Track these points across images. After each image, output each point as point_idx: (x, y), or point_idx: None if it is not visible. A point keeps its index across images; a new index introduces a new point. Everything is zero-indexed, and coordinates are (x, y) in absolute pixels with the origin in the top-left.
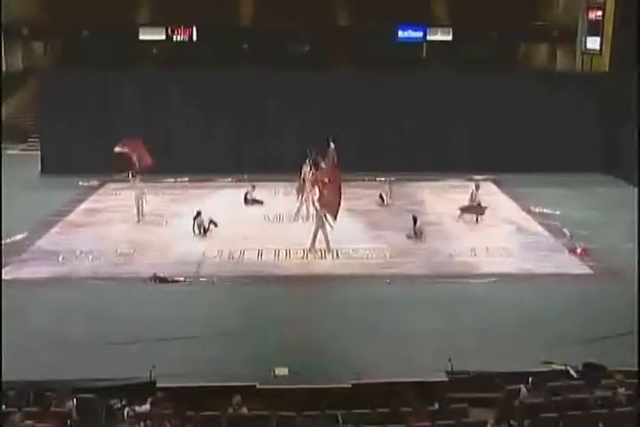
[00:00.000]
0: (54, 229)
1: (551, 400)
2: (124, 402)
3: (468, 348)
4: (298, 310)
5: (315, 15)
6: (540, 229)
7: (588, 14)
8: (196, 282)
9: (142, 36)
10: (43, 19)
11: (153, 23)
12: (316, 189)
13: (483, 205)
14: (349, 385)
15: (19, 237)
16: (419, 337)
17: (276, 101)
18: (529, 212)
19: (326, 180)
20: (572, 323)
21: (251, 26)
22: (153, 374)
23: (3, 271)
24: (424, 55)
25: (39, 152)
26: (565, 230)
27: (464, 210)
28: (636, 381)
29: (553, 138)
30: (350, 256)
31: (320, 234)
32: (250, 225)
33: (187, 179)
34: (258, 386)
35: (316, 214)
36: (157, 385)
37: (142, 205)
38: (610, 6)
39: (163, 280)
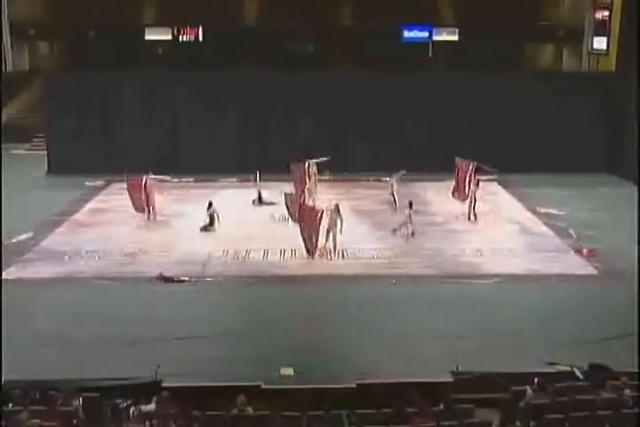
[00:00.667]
0: (60, 229)
1: (557, 401)
2: (129, 401)
3: (473, 348)
4: (303, 310)
5: (319, 15)
6: (545, 229)
7: (594, 14)
8: (201, 282)
9: (148, 36)
10: (49, 19)
11: (159, 23)
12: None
13: (480, 205)
14: (354, 385)
15: (24, 236)
16: (423, 337)
17: (280, 101)
18: (534, 212)
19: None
20: (578, 324)
21: (256, 26)
22: (158, 374)
23: (8, 271)
24: (429, 55)
25: (45, 152)
26: (571, 231)
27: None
28: None
29: (558, 138)
30: (355, 256)
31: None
32: (255, 225)
33: (192, 179)
34: (263, 386)
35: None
36: (163, 385)
37: (153, 204)
38: (616, 6)
39: (168, 280)
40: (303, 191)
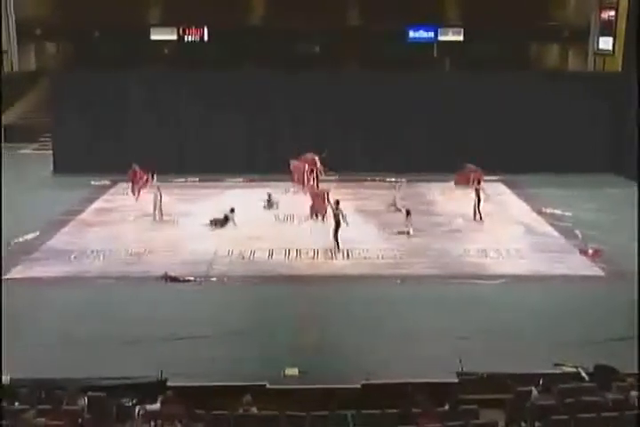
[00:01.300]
0: (65, 229)
1: (562, 402)
2: (134, 401)
3: (479, 349)
4: (308, 310)
5: (325, 16)
6: (550, 229)
7: (600, 14)
8: (206, 282)
9: (154, 37)
10: (55, 19)
11: (164, 23)
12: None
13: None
14: (359, 385)
15: (30, 236)
16: (428, 338)
17: (286, 101)
18: (540, 213)
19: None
20: (583, 324)
21: (262, 26)
22: (163, 374)
23: (14, 270)
24: (435, 55)
25: (51, 151)
26: (576, 231)
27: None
28: None
29: (564, 138)
30: (361, 256)
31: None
32: (260, 225)
33: (197, 179)
34: (268, 386)
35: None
36: (168, 384)
37: (160, 204)
38: (623, 6)
39: (173, 280)
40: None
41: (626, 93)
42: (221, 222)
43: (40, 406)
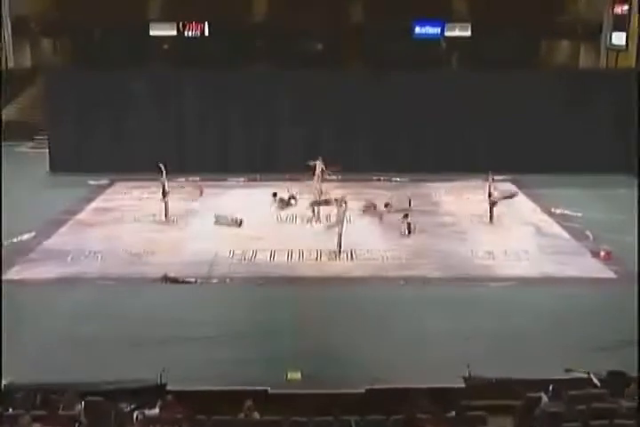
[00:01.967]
0: (63, 229)
1: (573, 409)
2: (133, 406)
3: (487, 353)
4: (311, 312)
5: (329, 11)
6: (560, 231)
7: (613, 8)
8: (207, 283)
9: (153, 32)
10: (51, 14)
11: (164, 18)
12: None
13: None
14: (363, 390)
15: (26, 236)
16: (435, 342)
17: (289, 100)
18: (550, 213)
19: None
20: (595, 329)
21: (264, 22)
22: (163, 378)
23: (10, 271)
24: (441, 52)
25: (47, 150)
26: (588, 233)
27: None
28: None
29: (575, 138)
30: (365, 258)
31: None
32: (262, 225)
33: (198, 178)
34: (270, 391)
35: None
36: (167, 389)
37: (167, 204)
38: (636, 0)
39: (173, 281)
40: None
41: (639, 90)
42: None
43: (35, 412)
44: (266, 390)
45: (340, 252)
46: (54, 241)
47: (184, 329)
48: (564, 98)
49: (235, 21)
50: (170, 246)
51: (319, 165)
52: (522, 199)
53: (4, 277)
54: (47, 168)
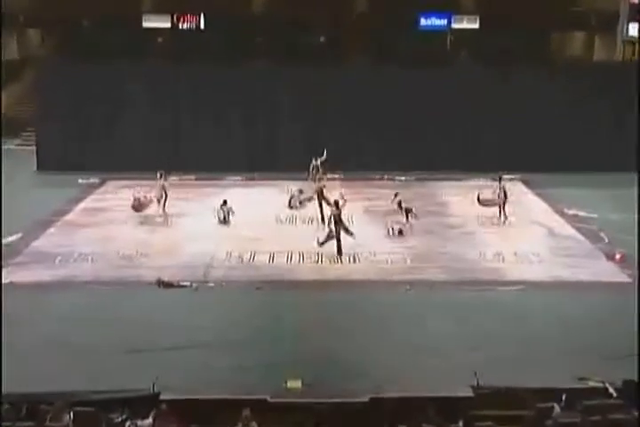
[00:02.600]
0: (51, 230)
1: (587, 420)
2: (124, 416)
3: (496, 361)
4: (312, 317)
5: (331, 1)
6: (574, 232)
7: None
8: (203, 287)
9: (146, 24)
10: (39, 4)
11: (157, 10)
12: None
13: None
14: (367, 399)
15: (13, 238)
16: (441, 348)
17: (289, 95)
18: (562, 214)
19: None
20: (610, 336)
21: (263, 14)
22: (156, 386)
23: None
24: (448, 45)
25: (35, 147)
26: (602, 234)
27: None
28: None
29: (587, 135)
30: (368, 260)
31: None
32: (261, 226)
33: (193, 177)
34: (269, 399)
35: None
36: (161, 398)
37: (164, 204)
38: None
39: (168, 285)
40: None
41: None
42: (224, 218)
43: (22, 423)
44: (265, 399)
45: (340, 255)
46: (42, 243)
47: (178, 335)
48: (577, 92)
49: (232, 13)
50: (164, 248)
51: (317, 164)
52: (532, 199)
53: None
54: (35, 166)
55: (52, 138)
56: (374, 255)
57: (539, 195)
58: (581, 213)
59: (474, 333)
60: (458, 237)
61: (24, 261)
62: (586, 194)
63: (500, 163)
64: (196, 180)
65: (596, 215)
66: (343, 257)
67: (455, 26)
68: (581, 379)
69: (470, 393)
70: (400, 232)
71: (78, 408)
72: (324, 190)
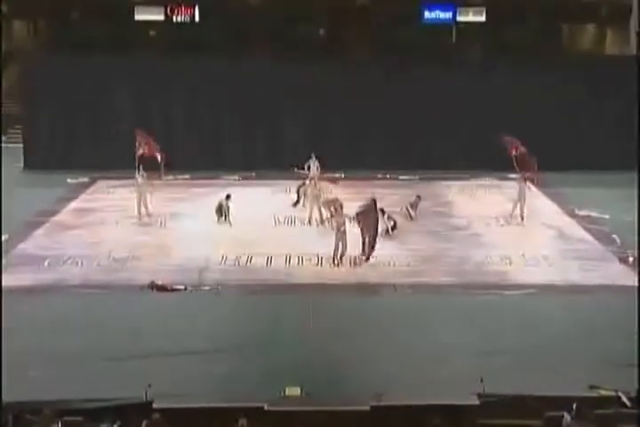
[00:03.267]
0: (39, 231)
1: None
2: (116, 425)
3: (503, 368)
4: (311, 322)
5: None
6: (585, 234)
7: None
8: (198, 291)
9: (138, 17)
10: None
11: (150, 1)
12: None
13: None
14: (368, 408)
15: None
16: (446, 354)
17: (288, 91)
18: (572, 215)
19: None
20: (624, 342)
21: (260, 6)
22: (149, 394)
23: None
24: (453, 39)
25: (21, 145)
26: (614, 236)
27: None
28: None
29: (598, 132)
30: (370, 263)
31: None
32: (258, 228)
33: (188, 176)
34: (266, 408)
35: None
36: (154, 406)
37: (146, 203)
38: None
39: (161, 289)
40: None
41: None
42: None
43: None
44: (262, 407)
45: (341, 258)
46: (29, 245)
47: (172, 341)
48: (587, 88)
49: (228, 5)
50: (157, 251)
51: (314, 164)
52: (541, 199)
53: None
54: (21, 165)
55: (39, 135)
56: (376, 258)
57: (548, 195)
58: (592, 214)
59: (480, 338)
60: (463, 238)
61: (10, 264)
62: (597, 194)
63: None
64: (192, 179)
65: (607, 216)
66: (344, 259)
67: (460, 19)
68: (592, 387)
69: (476, 401)
70: (394, 227)
71: (67, 418)
72: (322, 193)
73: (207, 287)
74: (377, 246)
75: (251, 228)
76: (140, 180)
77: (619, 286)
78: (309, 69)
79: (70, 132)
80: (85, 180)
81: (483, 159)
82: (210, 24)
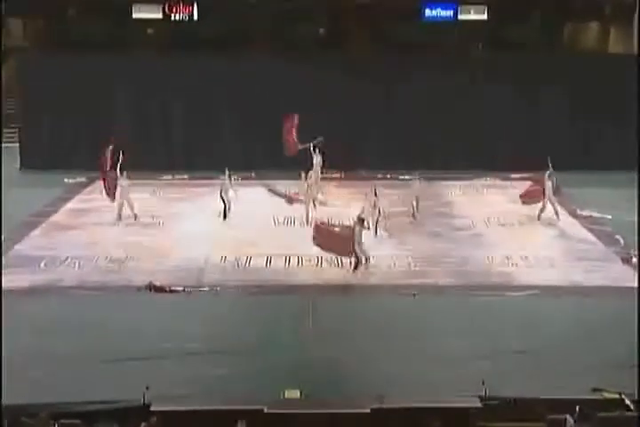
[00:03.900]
0: (35, 232)
1: None
2: None
3: (505, 370)
4: (311, 324)
5: None
6: (587, 234)
7: None
8: (196, 292)
9: (136, 15)
10: None
11: None
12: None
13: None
14: (369, 410)
15: None
16: (448, 356)
17: (287, 90)
18: (574, 215)
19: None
20: (626, 344)
21: (259, 2)
22: (147, 397)
23: None
24: (454, 37)
25: (18, 145)
26: (617, 237)
27: None
28: None
29: (601, 131)
30: (371, 264)
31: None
32: (258, 228)
33: (186, 176)
34: (266, 410)
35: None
36: (152, 409)
37: (129, 204)
38: None
39: (159, 290)
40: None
41: None
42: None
43: None
44: (261, 410)
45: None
46: (26, 246)
47: (171, 343)
48: (590, 87)
49: (227, 3)
50: (155, 251)
51: (316, 159)
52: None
53: None
54: (18, 165)
55: (36, 134)
56: (377, 259)
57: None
58: (595, 214)
59: (482, 339)
60: (466, 239)
61: (6, 265)
62: (600, 194)
63: (509, 161)
64: (190, 179)
65: (610, 216)
66: (344, 260)
67: (462, 17)
68: (596, 390)
69: (478, 404)
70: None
71: (63, 421)
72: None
73: (206, 288)
74: (378, 247)
75: (250, 228)
76: (121, 181)
77: (622, 288)
78: (309, 68)
79: (67, 132)
80: (83, 179)
81: (486, 159)
82: (208, 22)
